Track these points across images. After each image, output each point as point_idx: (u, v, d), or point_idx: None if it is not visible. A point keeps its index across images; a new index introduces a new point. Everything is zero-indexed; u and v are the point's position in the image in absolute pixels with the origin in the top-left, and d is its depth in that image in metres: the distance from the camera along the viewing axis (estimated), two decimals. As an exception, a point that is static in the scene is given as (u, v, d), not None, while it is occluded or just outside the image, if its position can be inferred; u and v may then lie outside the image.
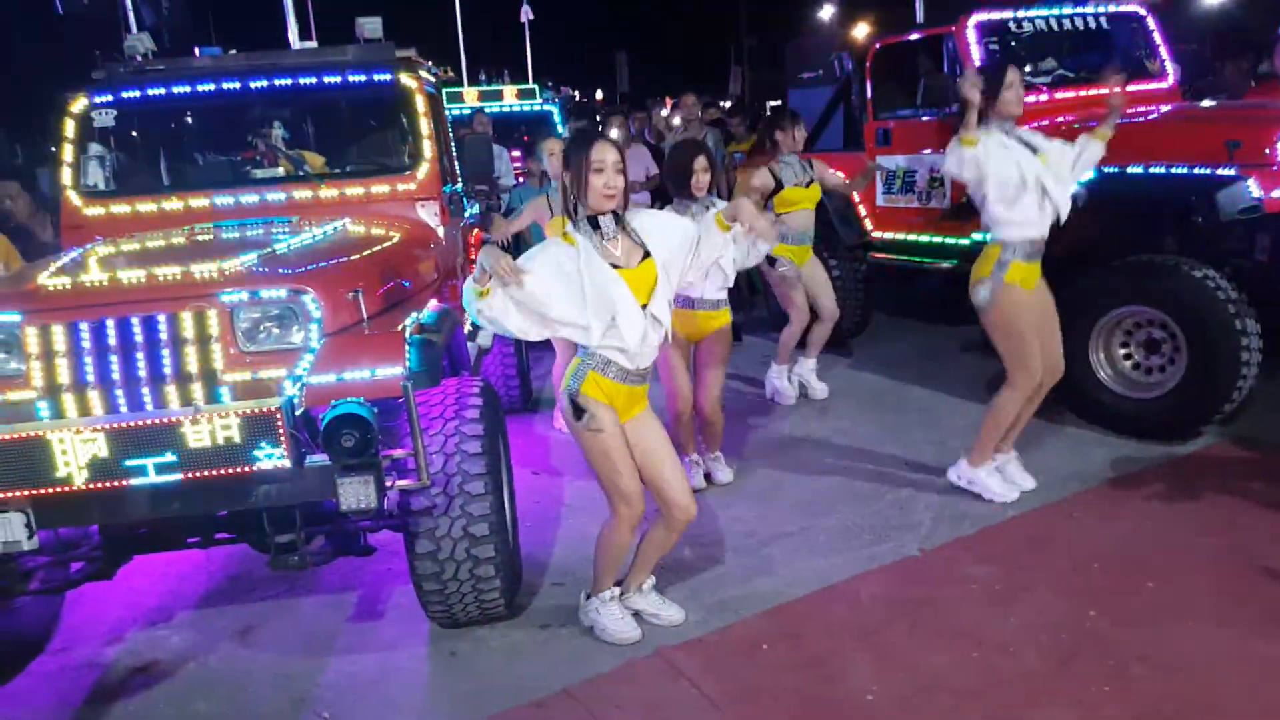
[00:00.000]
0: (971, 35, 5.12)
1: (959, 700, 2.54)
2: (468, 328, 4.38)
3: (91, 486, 2.42)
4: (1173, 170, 4.09)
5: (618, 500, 2.79)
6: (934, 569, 3.29)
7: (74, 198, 3.88)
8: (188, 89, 3.94)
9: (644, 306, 2.63)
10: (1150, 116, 4.80)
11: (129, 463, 2.42)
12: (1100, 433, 4.29)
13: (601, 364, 2.70)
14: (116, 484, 2.43)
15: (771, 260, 4.95)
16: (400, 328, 2.85)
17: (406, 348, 2.69)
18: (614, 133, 6.46)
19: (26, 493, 2.42)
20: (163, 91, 3.94)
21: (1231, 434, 4.23)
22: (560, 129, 9.27)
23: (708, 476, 4.24)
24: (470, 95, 9.92)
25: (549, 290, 2.60)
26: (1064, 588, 3.08)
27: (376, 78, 3.98)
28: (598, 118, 10.12)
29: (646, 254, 2.67)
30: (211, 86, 3.92)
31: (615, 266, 2.63)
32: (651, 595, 3.07)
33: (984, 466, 3.74)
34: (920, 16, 6.58)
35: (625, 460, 2.75)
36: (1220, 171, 3.91)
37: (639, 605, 3.04)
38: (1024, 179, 3.40)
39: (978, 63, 5.07)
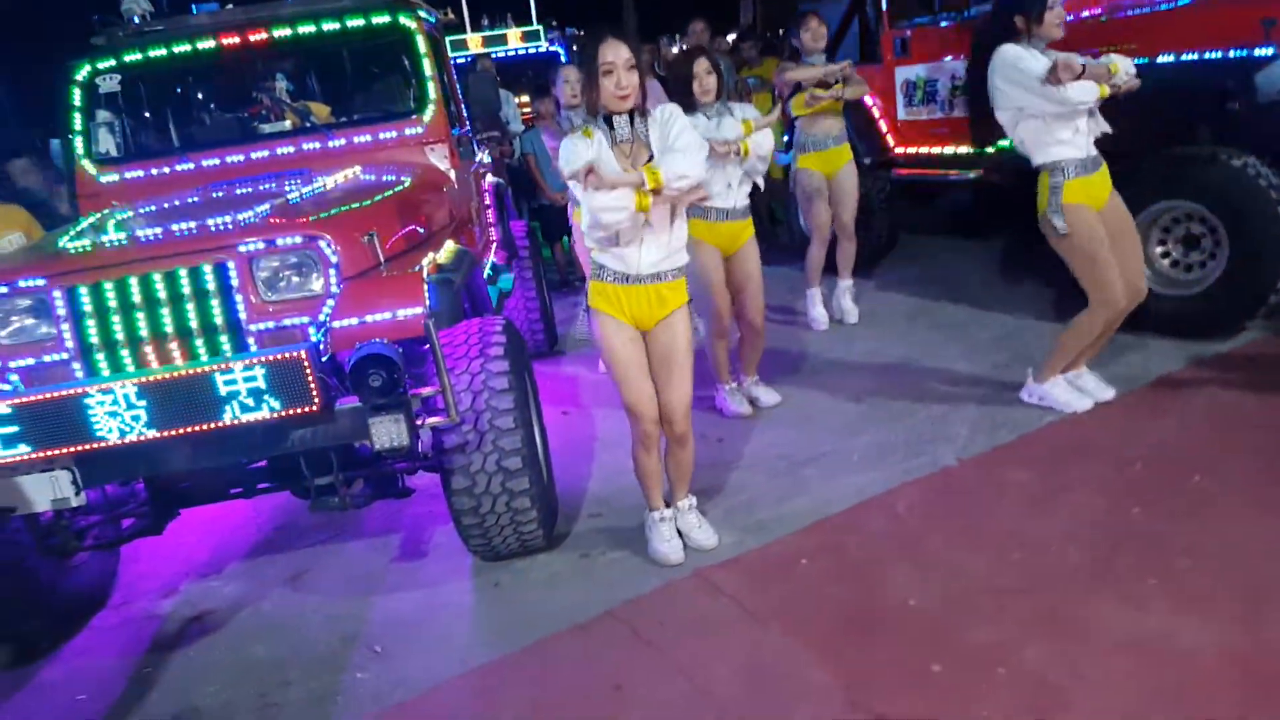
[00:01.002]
0: (989, -69, 4.88)
1: (1003, 600, 2.53)
2: (487, 271, 4.37)
3: (129, 441, 2.45)
4: (1205, 55, 3.91)
5: (628, 415, 2.85)
6: (972, 478, 3.26)
7: (87, 166, 3.90)
8: (188, 47, 3.91)
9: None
10: (1179, 1, 4.58)
11: (163, 416, 2.45)
12: (1139, 335, 4.19)
13: (597, 269, 2.74)
14: (153, 437, 2.46)
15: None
16: (417, 268, 2.83)
17: (425, 287, 2.68)
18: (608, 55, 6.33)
19: (69, 450, 2.47)
20: (164, 52, 3.91)
21: (1276, 328, 4.12)
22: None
23: (752, 402, 4.21)
24: (474, 41, 9.78)
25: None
26: (1106, 488, 3.04)
27: (374, 20, 3.91)
28: None
29: (651, 156, 2.64)
30: (212, 42, 3.89)
31: None
32: (690, 515, 3.09)
33: (1051, 380, 3.65)
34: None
35: (632, 372, 2.78)
36: (1257, 52, 3.73)
37: (678, 524, 3.07)
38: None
39: None
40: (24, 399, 2.43)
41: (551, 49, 9.47)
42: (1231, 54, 3.82)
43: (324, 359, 2.63)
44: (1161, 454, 3.21)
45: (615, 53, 2.55)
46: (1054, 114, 3.29)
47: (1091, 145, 3.38)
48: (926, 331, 4.89)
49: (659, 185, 2.55)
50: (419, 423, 2.63)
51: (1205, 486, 2.96)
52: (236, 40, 3.88)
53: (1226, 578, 2.49)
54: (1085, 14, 4.54)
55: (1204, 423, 3.41)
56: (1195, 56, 3.94)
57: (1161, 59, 4.01)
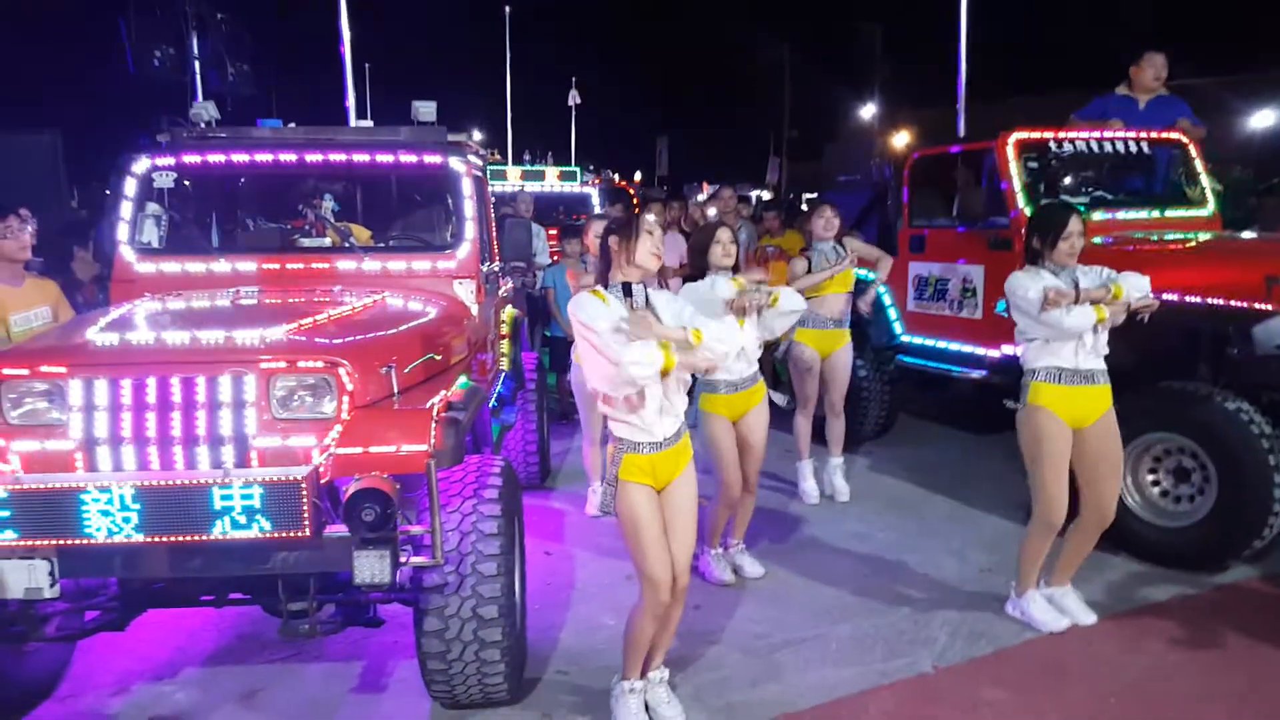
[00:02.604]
0: (1011, 152, 5.19)
1: (966, 833, 2.46)
2: (492, 402, 4.44)
3: (117, 541, 2.45)
4: (1210, 301, 4.09)
5: (643, 583, 2.82)
6: (946, 689, 3.22)
7: (127, 254, 4.02)
8: (246, 158, 4.11)
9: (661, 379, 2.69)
10: (1189, 245, 4.84)
11: (154, 521, 2.46)
12: (1125, 558, 4.21)
13: (631, 445, 2.78)
14: (139, 541, 2.46)
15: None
16: (429, 405, 2.90)
17: (433, 425, 2.74)
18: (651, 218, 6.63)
19: (54, 542, 2.47)
20: (223, 159, 4.11)
21: (1261, 570, 4.13)
22: (598, 210, 9.53)
23: (735, 570, 4.20)
24: (514, 174, 10.26)
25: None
26: (1080, 720, 3.00)
27: (427, 159, 4.13)
28: (635, 201, 10.34)
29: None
30: (269, 158, 4.09)
31: None
32: (660, 690, 3.03)
33: (1028, 595, 3.65)
34: (962, 130, 6.72)
35: (656, 544, 2.78)
36: (1258, 306, 3.91)
37: (646, 696, 3.00)
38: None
39: (1016, 179, 5.14)
40: (20, 486, 2.45)
41: (585, 190, 9.92)
42: (1234, 303, 4.00)
43: (322, 483, 2.65)
44: (1137, 692, 3.17)
45: (658, 219, 2.77)
46: (1055, 338, 3.43)
47: (1086, 360, 3.46)
48: (917, 521, 4.90)
49: (700, 342, 2.65)
50: (403, 560, 2.64)
51: (1181, 734, 2.92)
52: (293, 159, 4.09)
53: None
54: (1096, 240, 4.78)
55: (1182, 662, 3.39)
56: (1199, 299, 4.12)
57: (1167, 296, 4.19)
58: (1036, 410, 3.47)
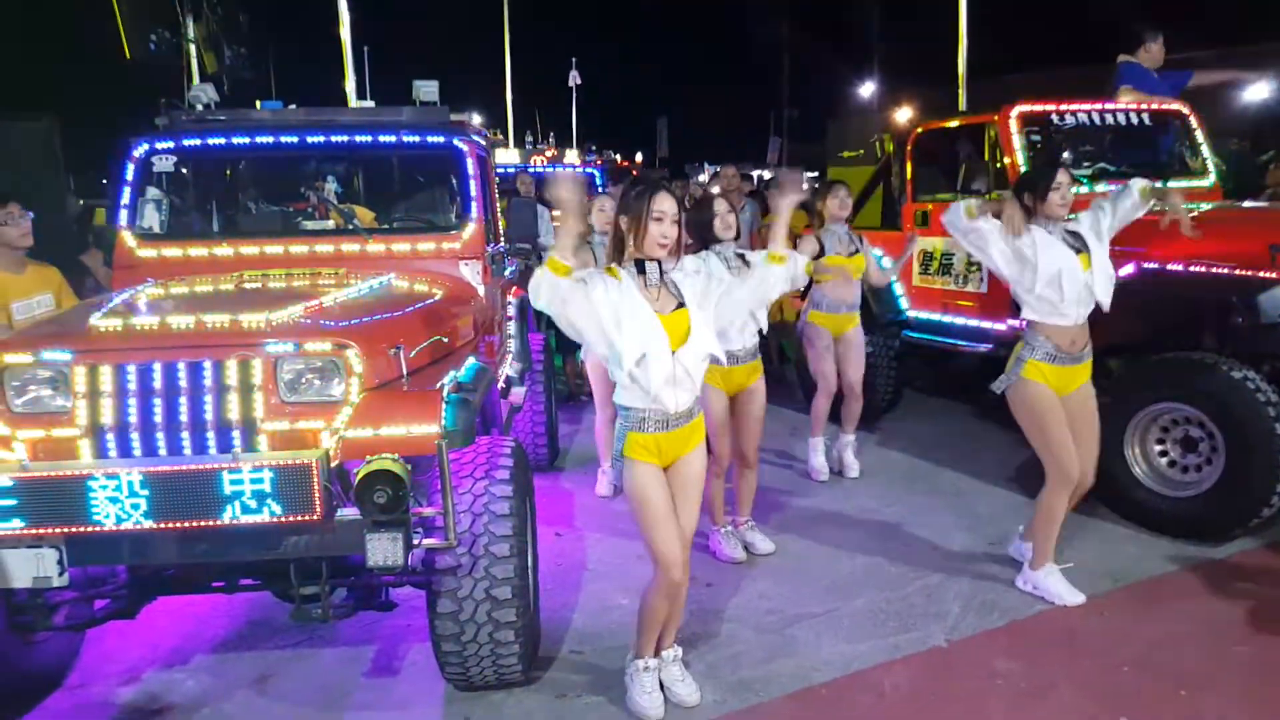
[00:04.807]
0: (1014, 125, 5.17)
1: (984, 805, 2.46)
2: (501, 385, 4.42)
3: (125, 528, 2.44)
4: (1214, 270, 4.07)
5: (655, 562, 2.80)
6: (960, 662, 3.21)
7: (128, 239, 3.98)
8: (247, 140, 4.07)
9: (674, 353, 2.67)
10: (1192, 214, 4.79)
11: (163, 507, 2.44)
12: (1133, 529, 4.21)
13: (636, 423, 2.75)
14: (150, 526, 2.45)
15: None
16: (438, 386, 2.88)
17: (443, 406, 2.71)
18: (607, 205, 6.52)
19: (61, 530, 2.46)
20: (223, 141, 4.07)
21: (1266, 540, 4.12)
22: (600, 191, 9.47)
23: (746, 547, 4.19)
24: (515, 156, 10.20)
25: (597, 309, 2.65)
26: (1093, 690, 3.00)
27: (430, 140, 4.09)
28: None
29: (681, 304, 2.73)
30: (270, 140, 4.04)
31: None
32: (674, 668, 3.02)
33: (1045, 569, 3.64)
34: (963, 104, 6.66)
35: (664, 522, 2.76)
36: (1263, 275, 3.88)
37: (660, 674, 3.00)
38: (1061, 275, 3.40)
39: (1019, 152, 5.12)
40: (27, 474, 2.43)
41: (588, 171, 9.86)
42: (1239, 272, 3.97)
43: (332, 466, 2.63)
44: (1149, 660, 3.17)
45: (668, 204, 2.69)
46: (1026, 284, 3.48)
47: (1077, 317, 3.46)
48: (926, 495, 4.90)
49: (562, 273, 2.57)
50: (415, 542, 2.62)
51: (1194, 702, 2.92)
52: (294, 140, 4.04)
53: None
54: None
55: (1194, 630, 3.38)
56: (1204, 269, 4.09)
57: (1172, 266, 4.17)
58: (1028, 383, 3.50)
